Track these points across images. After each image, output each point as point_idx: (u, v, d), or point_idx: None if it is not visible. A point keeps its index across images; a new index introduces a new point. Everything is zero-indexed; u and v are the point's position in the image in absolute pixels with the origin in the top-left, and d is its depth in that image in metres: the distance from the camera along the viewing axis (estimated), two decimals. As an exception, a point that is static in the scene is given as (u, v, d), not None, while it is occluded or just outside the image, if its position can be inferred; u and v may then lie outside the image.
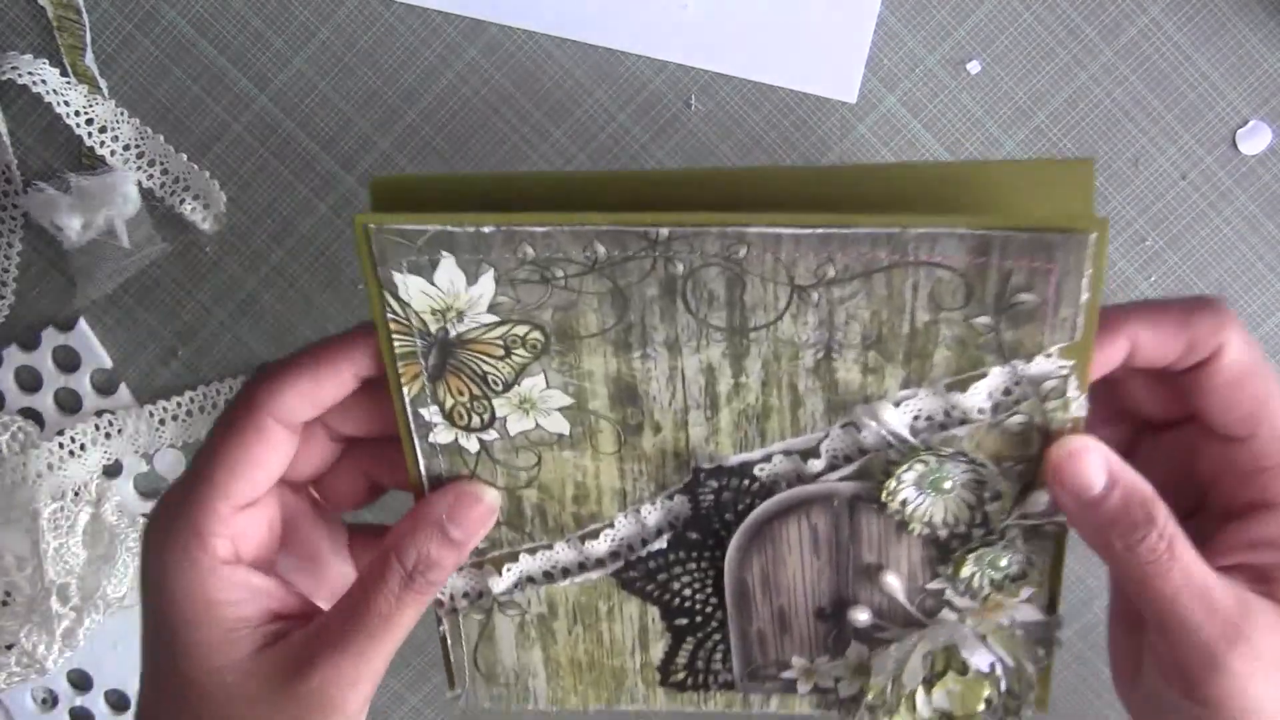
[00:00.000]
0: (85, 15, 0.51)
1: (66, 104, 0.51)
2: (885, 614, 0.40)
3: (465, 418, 0.37)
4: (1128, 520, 0.35)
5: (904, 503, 0.38)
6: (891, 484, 0.37)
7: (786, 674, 0.42)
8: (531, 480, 0.38)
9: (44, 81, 0.50)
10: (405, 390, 0.37)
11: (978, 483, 0.37)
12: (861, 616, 0.40)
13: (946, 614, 0.40)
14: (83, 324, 0.55)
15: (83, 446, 0.54)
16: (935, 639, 0.40)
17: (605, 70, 0.51)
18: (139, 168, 0.52)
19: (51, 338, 0.55)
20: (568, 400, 0.37)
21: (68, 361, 0.55)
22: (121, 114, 0.52)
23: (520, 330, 0.35)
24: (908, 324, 0.35)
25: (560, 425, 0.37)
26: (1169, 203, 0.51)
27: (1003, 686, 0.40)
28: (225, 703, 0.36)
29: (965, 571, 0.39)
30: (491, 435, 0.38)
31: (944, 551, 0.39)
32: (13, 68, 0.50)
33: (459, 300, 0.35)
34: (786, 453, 0.38)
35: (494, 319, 0.35)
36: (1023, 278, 0.33)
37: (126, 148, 0.52)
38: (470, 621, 0.42)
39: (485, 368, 0.36)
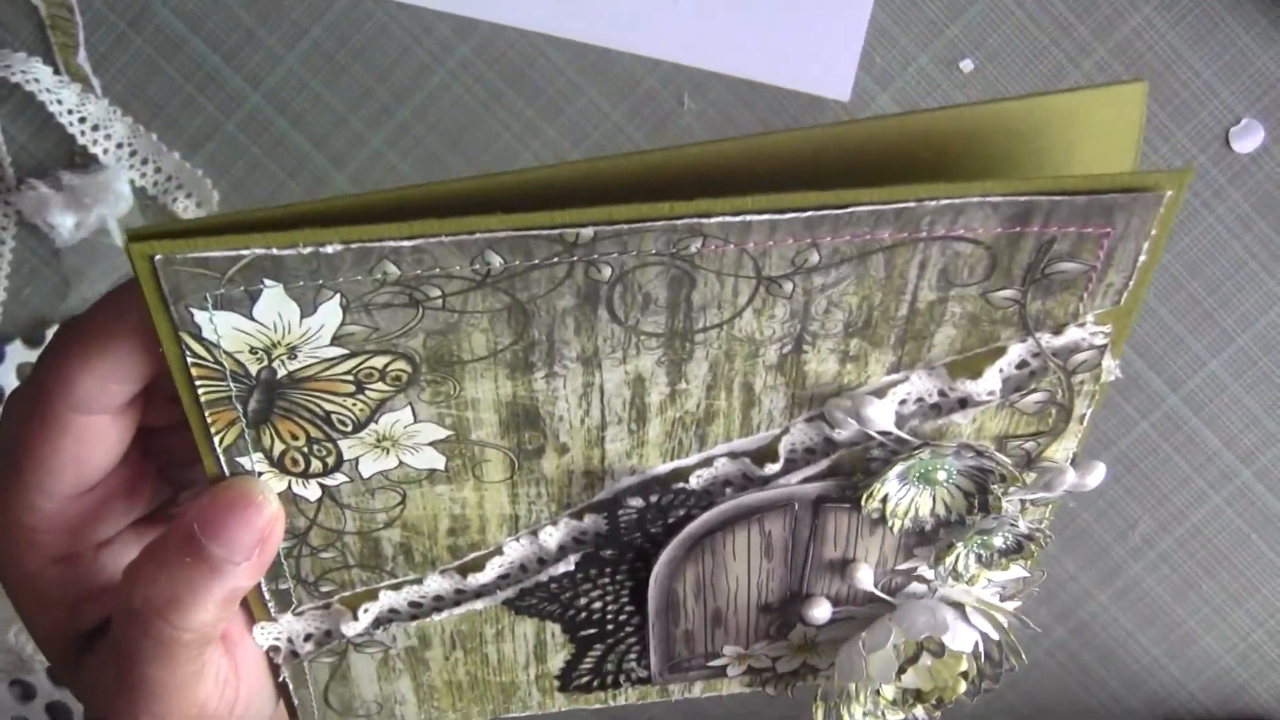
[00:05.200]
0: (78, 13, 0.51)
1: (59, 102, 0.51)
2: (844, 599, 0.34)
3: (302, 463, 0.29)
4: None
5: (884, 499, 0.31)
6: (876, 487, 0.31)
7: (716, 662, 0.36)
8: (392, 521, 0.31)
9: (37, 80, 0.50)
10: (216, 440, 0.28)
11: (981, 471, 0.31)
12: (820, 613, 0.34)
13: (915, 587, 0.34)
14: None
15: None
16: (910, 626, 0.33)
17: (598, 68, 0.51)
18: (132, 166, 0.52)
19: (46, 336, 0.55)
20: (443, 433, 0.29)
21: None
22: (114, 112, 0.52)
23: (378, 362, 0.27)
24: (906, 306, 0.28)
25: (432, 460, 0.30)
26: (1162, 201, 0.52)
27: (982, 656, 0.33)
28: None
29: (949, 558, 0.33)
30: (338, 479, 0.29)
31: (926, 537, 0.33)
32: (5, 66, 0.50)
33: (289, 335, 0.26)
34: (732, 455, 0.30)
35: (341, 352, 0.27)
36: (1067, 245, 0.26)
37: (119, 146, 0.52)
38: (319, 666, 0.34)
39: (328, 407, 0.28)
